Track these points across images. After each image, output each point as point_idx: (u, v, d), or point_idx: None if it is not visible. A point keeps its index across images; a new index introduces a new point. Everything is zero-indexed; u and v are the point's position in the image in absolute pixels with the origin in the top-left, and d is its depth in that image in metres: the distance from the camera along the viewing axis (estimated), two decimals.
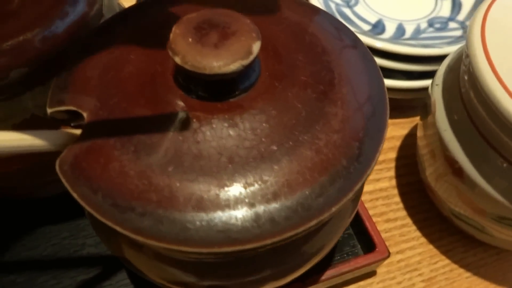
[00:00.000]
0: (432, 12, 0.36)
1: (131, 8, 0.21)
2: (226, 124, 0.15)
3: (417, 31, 0.35)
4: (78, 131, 0.16)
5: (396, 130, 0.36)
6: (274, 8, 0.19)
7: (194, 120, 0.15)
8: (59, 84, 0.17)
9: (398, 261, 0.29)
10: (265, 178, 0.14)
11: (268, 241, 0.13)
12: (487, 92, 0.21)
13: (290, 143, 0.15)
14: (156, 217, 0.13)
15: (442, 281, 0.29)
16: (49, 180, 0.26)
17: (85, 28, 0.22)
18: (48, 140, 0.16)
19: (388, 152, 0.35)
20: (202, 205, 0.13)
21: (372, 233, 0.27)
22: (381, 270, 0.29)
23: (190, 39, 0.14)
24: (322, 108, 0.15)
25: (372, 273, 0.29)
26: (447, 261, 0.30)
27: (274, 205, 0.13)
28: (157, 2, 0.20)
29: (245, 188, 0.14)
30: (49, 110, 0.17)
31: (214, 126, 0.15)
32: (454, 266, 0.29)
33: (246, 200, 0.13)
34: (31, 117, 0.22)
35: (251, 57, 0.14)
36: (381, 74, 0.18)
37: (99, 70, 0.17)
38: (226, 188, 0.14)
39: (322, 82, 0.16)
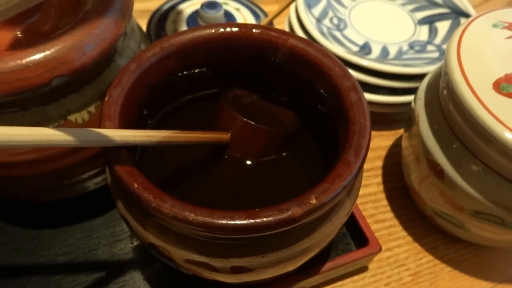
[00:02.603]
0: (412, 36, 0.41)
1: None
2: None
3: (400, 53, 0.39)
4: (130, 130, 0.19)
5: (382, 141, 0.40)
6: None
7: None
8: None
9: (387, 258, 0.33)
10: None
11: None
12: (464, 104, 0.24)
13: None
14: None
15: (427, 275, 0.32)
16: (66, 184, 0.29)
17: (113, 44, 0.25)
18: (107, 137, 0.19)
19: (375, 160, 0.38)
20: None
21: (365, 230, 0.30)
22: (372, 265, 0.32)
23: None
24: None
25: (365, 269, 0.32)
26: (430, 257, 0.33)
27: None
28: None
29: None
30: None
31: None
32: (437, 261, 0.33)
33: None
34: (65, 123, 0.24)
35: None
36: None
37: None
38: None
39: None
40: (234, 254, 0.20)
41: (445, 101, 0.28)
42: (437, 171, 0.28)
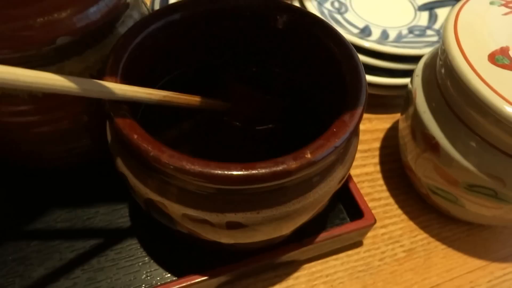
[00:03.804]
0: (412, 21, 0.41)
1: None
2: None
3: (399, 36, 0.39)
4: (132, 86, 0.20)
5: (380, 124, 0.40)
6: None
7: None
8: None
9: (382, 234, 0.33)
10: None
11: None
12: (460, 75, 0.25)
13: None
14: None
15: (421, 252, 0.32)
16: (68, 150, 0.29)
17: (116, 12, 0.26)
18: (110, 90, 0.19)
19: (373, 142, 0.39)
20: None
21: (360, 203, 0.30)
22: (367, 241, 0.32)
23: None
24: None
25: (359, 244, 0.32)
26: (425, 235, 0.33)
27: None
28: None
29: None
30: None
31: None
32: (431, 239, 0.33)
33: None
34: None
35: None
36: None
37: None
38: None
39: None
40: (230, 209, 0.20)
41: (442, 79, 0.28)
42: (432, 145, 0.28)
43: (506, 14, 0.27)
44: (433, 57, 0.31)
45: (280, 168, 0.18)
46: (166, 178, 0.20)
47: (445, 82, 0.28)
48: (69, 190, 0.32)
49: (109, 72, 0.21)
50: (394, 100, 0.41)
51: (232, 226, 0.21)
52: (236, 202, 0.20)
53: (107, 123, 0.23)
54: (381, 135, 0.39)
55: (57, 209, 0.31)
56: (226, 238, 0.22)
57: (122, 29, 0.27)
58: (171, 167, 0.18)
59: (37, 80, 0.16)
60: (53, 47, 0.23)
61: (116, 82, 0.21)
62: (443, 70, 0.28)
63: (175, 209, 0.21)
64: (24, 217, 0.30)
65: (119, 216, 0.31)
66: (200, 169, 0.18)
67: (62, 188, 0.32)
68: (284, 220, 0.22)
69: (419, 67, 0.32)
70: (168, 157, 0.18)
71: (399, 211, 0.34)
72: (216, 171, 0.18)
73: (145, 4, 0.32)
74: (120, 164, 0.22)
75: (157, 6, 0.39)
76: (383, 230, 0.33)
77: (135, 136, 0.19)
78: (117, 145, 0.22)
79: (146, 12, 0.31)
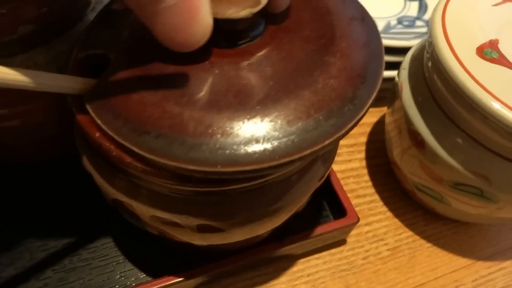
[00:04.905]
0: (401, 11, 0.40)
1: None
2: (234, 67, 0.17)
3: (387, 27, 0.38)
4: (94, 80, 0.18)
5: (367, 118, 0.39)
6: None
7: (207, 62, 0.17)
8: (91, 35, 0.20)
9: (366, 232, 0.32)
10: (267, 112, 0.16)
11: (266, 165, 0.15)
12: (446, 69, 0.24)
13: (291, 84, 0.16)
14: (168, 140, 0.15)
15: (405, 250, 0.31)
16: (39, 144, 0.28)
17: None
18: (70, 83, 0.18)
19: (359, 136, 0.38)
20: (210, 131, 0.15)
21: (343, 201, 0.29)
22: (351, 239, 0.31)
23: None
24: (322, 57, 0.17)
25: (343, 242, 0.31)
26: (410, 233, 0.32)
27: (273, 135, 0.15)
28: None
29: (248, 119, 0.15)
30: (80, 54, 0.19)
31: (224, 67, 0.17)
32: (417, 237, 0.32)
33: (249, 129, 0.15)
34: None
35: (260, 6, 0.16)
36: (379, 33, 0.20)
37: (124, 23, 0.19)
38: (231, 119, 0.15)
39: (324, 37, 0.18)
40: (200, 211, 0.19)
41: (429, 72, 0.27)
42: (418, 141, 0.27)
43: (496, 5, 0.26)
44: (421, 49, 0.30)
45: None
46: (132, 178, 0.19)
47: (432, 76, 0.27)
48: (41, 186, 0.30)
49: (73, 64, 0.20)
50: (382, 93, 0.40)
51: (203, 229, 0.20)
52: (207, 204, 0.19)
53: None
54: (368, 129, 0.38)
55: (28, 206, 0.30)
56: (199, 240, 0.21)
57: (92, 16, 0.26)
58: (135, 167, 0.17)
59: None
60: (15, 36, 0.21)
61: (80, 75, 0.20)
62: (430, 64, 0.27)
63: (143, 211, 0.20)
64: None
65: (93, 213, 0.30)
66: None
67: (33, 184, 0.30)
68: (260, 221, 0.21)
69: (406, 60, 0.31)
70: (131, 157, 0.17)
71: (384, 208, 0.33)
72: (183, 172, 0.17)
73: None
74: (86, 162, 0.21)
75: None
76: (367, 228, 0.32)
77: (97, 134, 0.18)
78: (82, 143, 0.21)
79: None
